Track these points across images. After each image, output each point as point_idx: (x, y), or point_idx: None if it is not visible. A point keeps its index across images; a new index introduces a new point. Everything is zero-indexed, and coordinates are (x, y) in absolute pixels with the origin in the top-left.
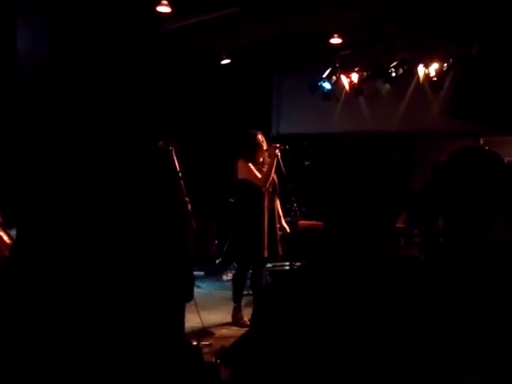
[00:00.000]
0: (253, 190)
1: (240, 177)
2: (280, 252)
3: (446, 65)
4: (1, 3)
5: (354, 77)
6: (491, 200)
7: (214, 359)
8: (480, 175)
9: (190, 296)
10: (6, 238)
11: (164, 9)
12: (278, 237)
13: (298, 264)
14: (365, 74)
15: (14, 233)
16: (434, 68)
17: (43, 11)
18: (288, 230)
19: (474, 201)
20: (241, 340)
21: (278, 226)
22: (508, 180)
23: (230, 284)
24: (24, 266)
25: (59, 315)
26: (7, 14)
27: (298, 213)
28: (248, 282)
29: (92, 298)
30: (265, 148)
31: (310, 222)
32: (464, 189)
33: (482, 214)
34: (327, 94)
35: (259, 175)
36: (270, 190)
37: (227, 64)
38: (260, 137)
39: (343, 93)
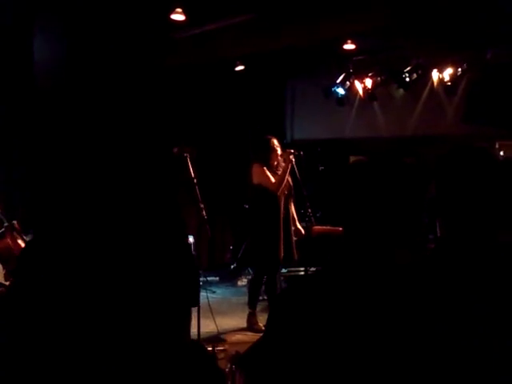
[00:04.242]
0: (268, 195)
1: (255, 181)
2: (295, 257)
3: (460, 69)
4: (19, 14)
5: (368, 82)
6: (484, 199)
7: (228, 365)
8: (470, 173)
9: (195, 301)
10: (22, 244)
11: (178, 17)
12: (294, 242)
13: (312, 269)
14: (378, 79)
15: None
16: (448, 73)
17: (61, 22)
18: (303, 232)
19: (466, 200)
20: (256, 346)
21: (293, 228)
22: (499, 177)
23: (244, 289)
24: (33, 270)
25: (65, 318)
26: (25, 25)
27: (312, 218)
28: (263, 288)
29: (96, 302)
30: (279, 153)
31: (324, 227)
32: (454, 188)
33: (476, 213)
34: (341, 100)
35: (273, 180)
36: (286, 192)
37: (241, 71)
38: (275, 141)
39: (357, 98)
